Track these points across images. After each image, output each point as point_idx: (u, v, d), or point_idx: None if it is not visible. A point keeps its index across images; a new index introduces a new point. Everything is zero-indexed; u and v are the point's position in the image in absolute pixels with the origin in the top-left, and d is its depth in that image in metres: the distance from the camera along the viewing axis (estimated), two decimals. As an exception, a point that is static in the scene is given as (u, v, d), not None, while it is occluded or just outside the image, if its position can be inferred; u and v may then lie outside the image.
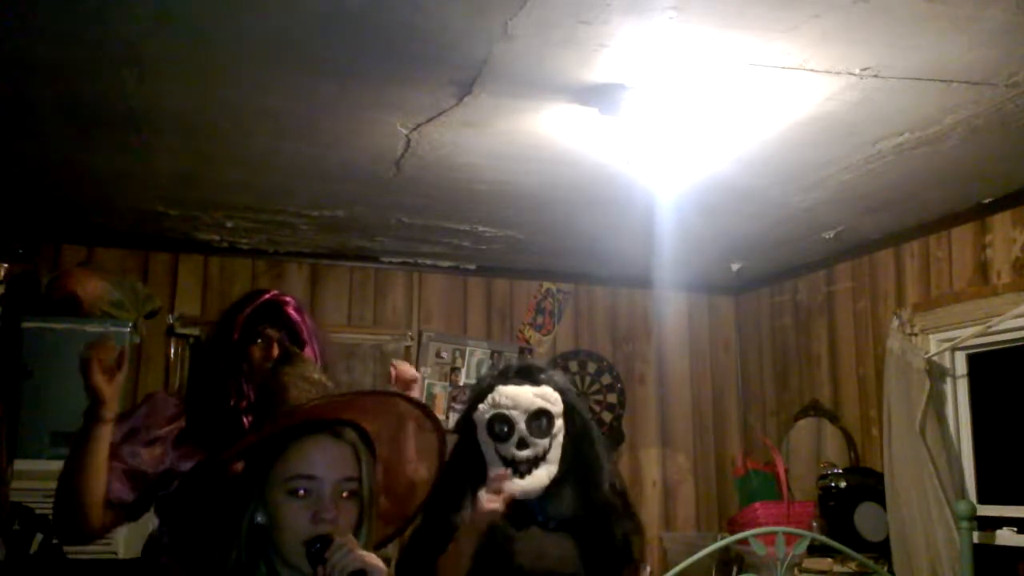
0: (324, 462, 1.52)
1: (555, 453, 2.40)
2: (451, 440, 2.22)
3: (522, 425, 2.38)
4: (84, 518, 1.99)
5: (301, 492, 1.50)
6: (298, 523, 1.48)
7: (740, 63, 2.52)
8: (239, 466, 1.60)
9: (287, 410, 1.65)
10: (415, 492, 1.79)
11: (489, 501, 2.24)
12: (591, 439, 2.46)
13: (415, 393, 2.37)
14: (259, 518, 1.53)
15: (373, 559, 1.44)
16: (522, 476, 2.36)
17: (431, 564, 2.28)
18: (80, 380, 1.95)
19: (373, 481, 1.58)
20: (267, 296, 2.24)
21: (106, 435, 2.00)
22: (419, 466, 1.76)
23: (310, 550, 1.46)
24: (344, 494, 1.52)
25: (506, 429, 2.38)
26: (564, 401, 2.44)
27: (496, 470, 2.34)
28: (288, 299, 2.25)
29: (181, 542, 1.86)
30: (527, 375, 2.49)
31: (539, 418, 2.39)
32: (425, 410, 1.76)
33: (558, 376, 2.55)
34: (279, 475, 1.52)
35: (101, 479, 2.00)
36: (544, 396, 2.43)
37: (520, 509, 2.36)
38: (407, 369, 2.51)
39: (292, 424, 1.56)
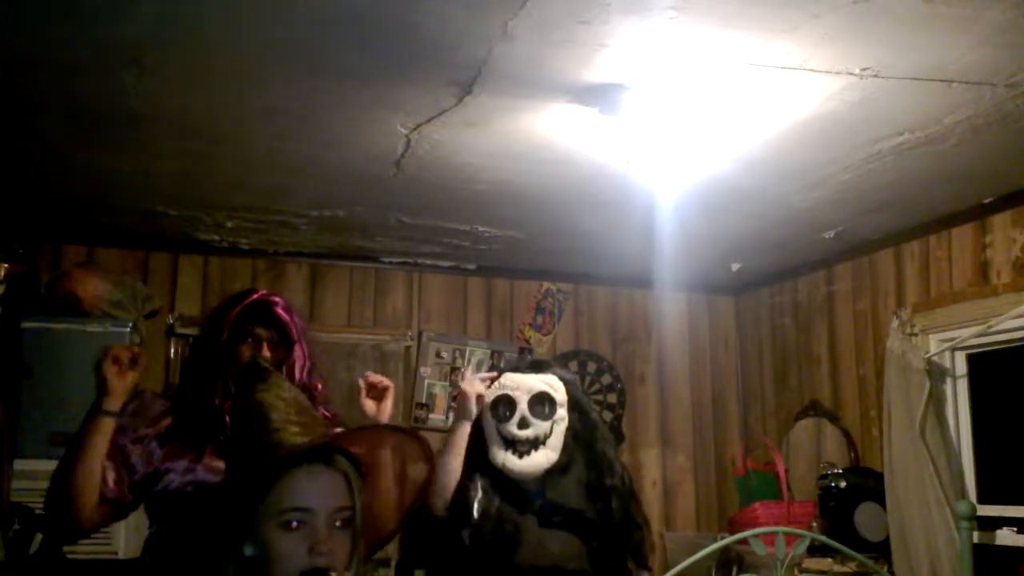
0: (318, 493, 1.46)
1: (555, 440, 2.45)
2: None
3: (524, 405, 2.46)
4: (77, 511, 2.00)
5: (295, 524, 1.43)
6: (294, 557, 1.42)
7: (740, 63, 2.51)
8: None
9: (290, 447, 1.52)
10: (401, 508, 1.71)
11: (470, 383, 2.44)
12: (598, 434, 2.55)
13: (389, 401, 2.35)
14: (248, 551, 1.45)
15: None
16: (520, 457, 2.40)
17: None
18: (80, 380, 1.96)
19: (364, 507, 1.53)
20: (256, 296, 2.24)
21: (107, 429, 2.01)
22: (406, 481, 1.68)
23: None
24: (337, 523, 1.46)
25: (508, 411, 2.47)
26: (569, 393, 2.51)
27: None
28: (277, 299, 2.25)
29: (168, 569, 1.85)
30: (536, 367, 2.59)
31: (541, 401, 2.48)
32: (407, 430, 1.69)
33: (567, 372, 2.65)
34: (271, 507, 1.44)
35: (97, 472, 2.00)
36: (548, 382, 2.52)
37: (521, 496, 2.39)
38: (378, 377, 2.39)
39: (293, 454, 1.49)
